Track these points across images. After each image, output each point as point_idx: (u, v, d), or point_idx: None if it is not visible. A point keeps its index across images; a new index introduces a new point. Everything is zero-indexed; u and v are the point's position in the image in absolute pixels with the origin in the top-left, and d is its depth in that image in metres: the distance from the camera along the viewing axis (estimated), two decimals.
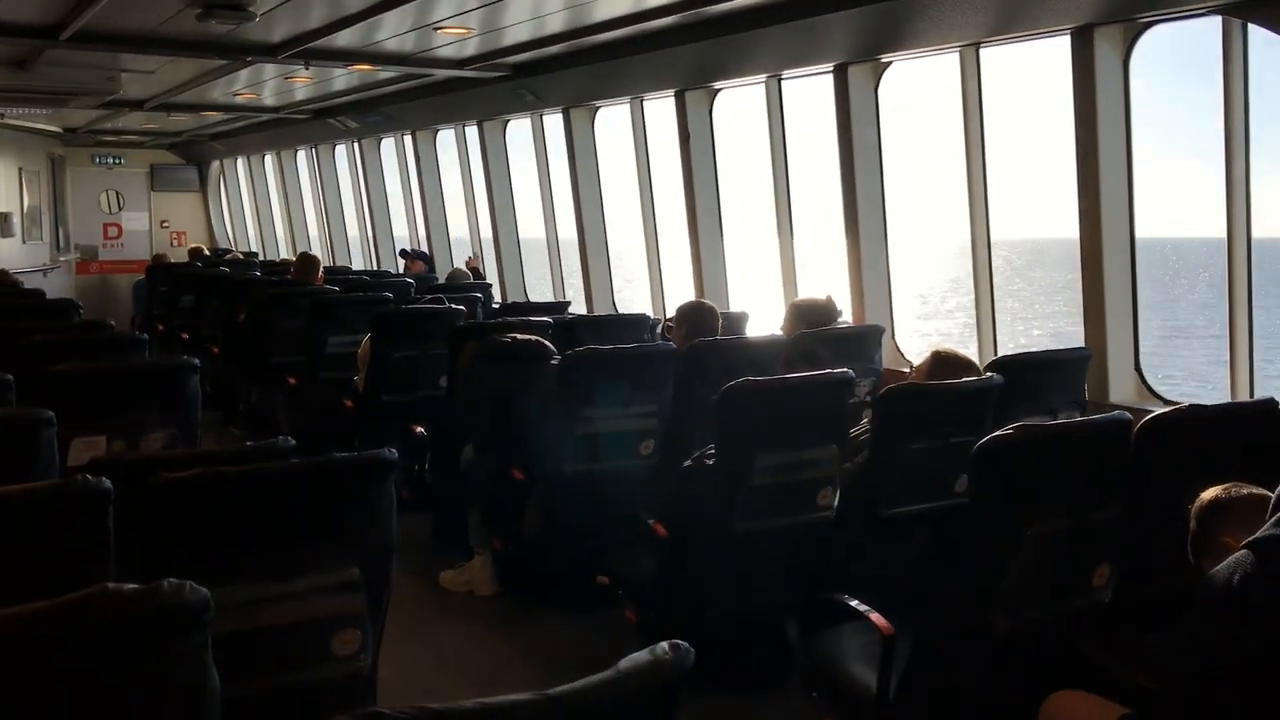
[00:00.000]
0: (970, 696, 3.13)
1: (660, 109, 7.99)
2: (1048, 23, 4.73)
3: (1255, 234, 4.39)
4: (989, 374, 4.26)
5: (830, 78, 6.45)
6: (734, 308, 7.16)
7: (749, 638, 4.15)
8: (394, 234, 12.52)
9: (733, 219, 7.51)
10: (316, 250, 14.65)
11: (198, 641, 1.75)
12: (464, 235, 11.29)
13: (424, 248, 11.42)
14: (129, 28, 6.43)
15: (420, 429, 6.28)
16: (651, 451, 5.09)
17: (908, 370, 5.88)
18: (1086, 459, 3.07)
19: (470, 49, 7.36)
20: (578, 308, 8.49)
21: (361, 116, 10.76)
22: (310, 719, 2.61)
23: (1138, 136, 4.68)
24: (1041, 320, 40.39)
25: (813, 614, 4.04)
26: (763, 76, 6.54)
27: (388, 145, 11.90)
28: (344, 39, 6.73)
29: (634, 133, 7.84)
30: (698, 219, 7.18)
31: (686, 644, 1.53)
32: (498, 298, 9.66)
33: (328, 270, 11.32)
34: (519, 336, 5.55)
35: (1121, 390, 4.81)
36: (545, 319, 6.36)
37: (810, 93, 6.51)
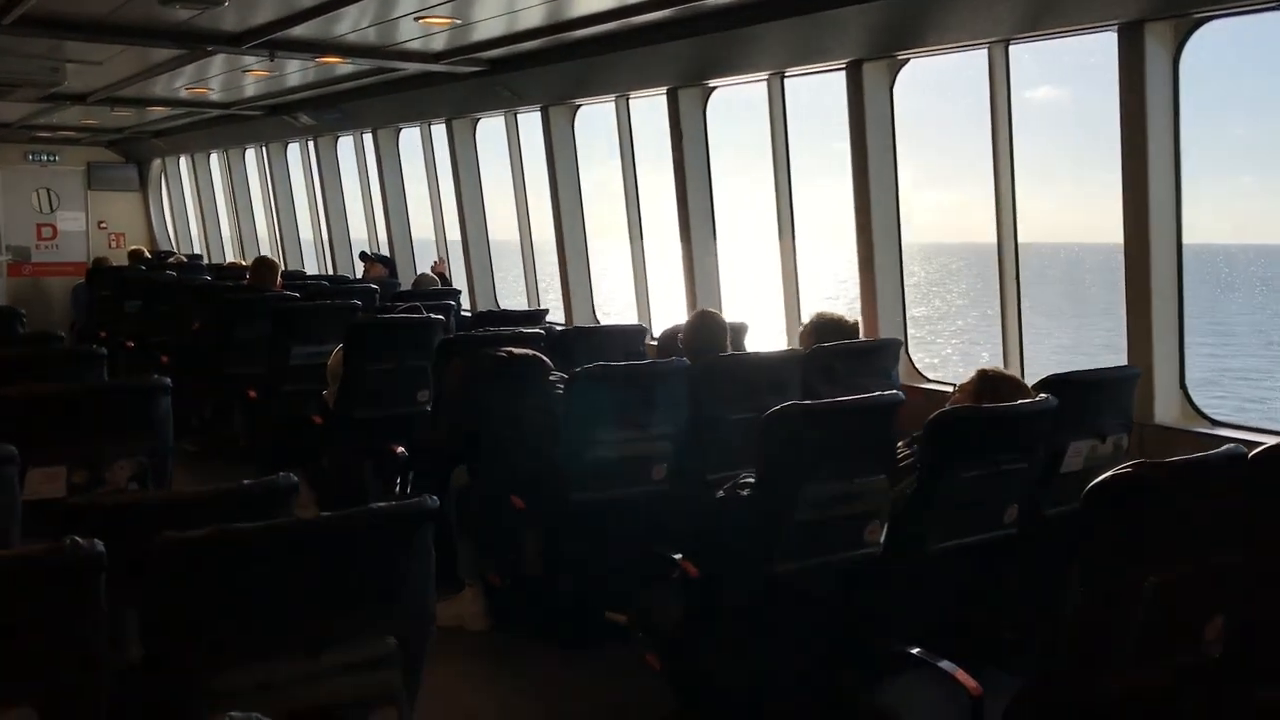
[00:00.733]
0: None
1: (644, 107, 7.67)
2: (1092, 17, 4.44)
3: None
4: (1043, 395, 3.95)
5: (828, 77, 6.21)
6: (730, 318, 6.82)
7: (794, 689, 3.78)
8: (351, 236, 11.98)
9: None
10: (267, 253, 14.05)
11: None
12: (425, 237, 10.82)
13: (384, 251, 10.92)
14: (80, 13, 5.90)
15: (400, 449, 5.84)
16: (663, 477, 4.71)
17: (926, 386, 5.56)
18: (1207, 498, 2.75)
19: (446, 42, 6.93)
20: (554, 317, 8.08)
21: (319, 114, 10.24)
22: None
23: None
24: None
25: (871, 664, 3.70)
26: (764, 74, 6.19)
27: (345, 144, 11.38)
28: (313, 29, 6.26)
29: (619, 132, 7.45)
30: (690, 223, 6.81)
31: None
32: (466, 305, 9.21)
33: (282, 275, 10.79)
34: (515, 351, 5.13)
35: (1167, 410, 4.52)
36: (537, 330, 5.95)
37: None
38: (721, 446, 4.79)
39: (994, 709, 3.03)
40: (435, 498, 2.36)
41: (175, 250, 16.38)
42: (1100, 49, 4.59)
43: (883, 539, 3.78)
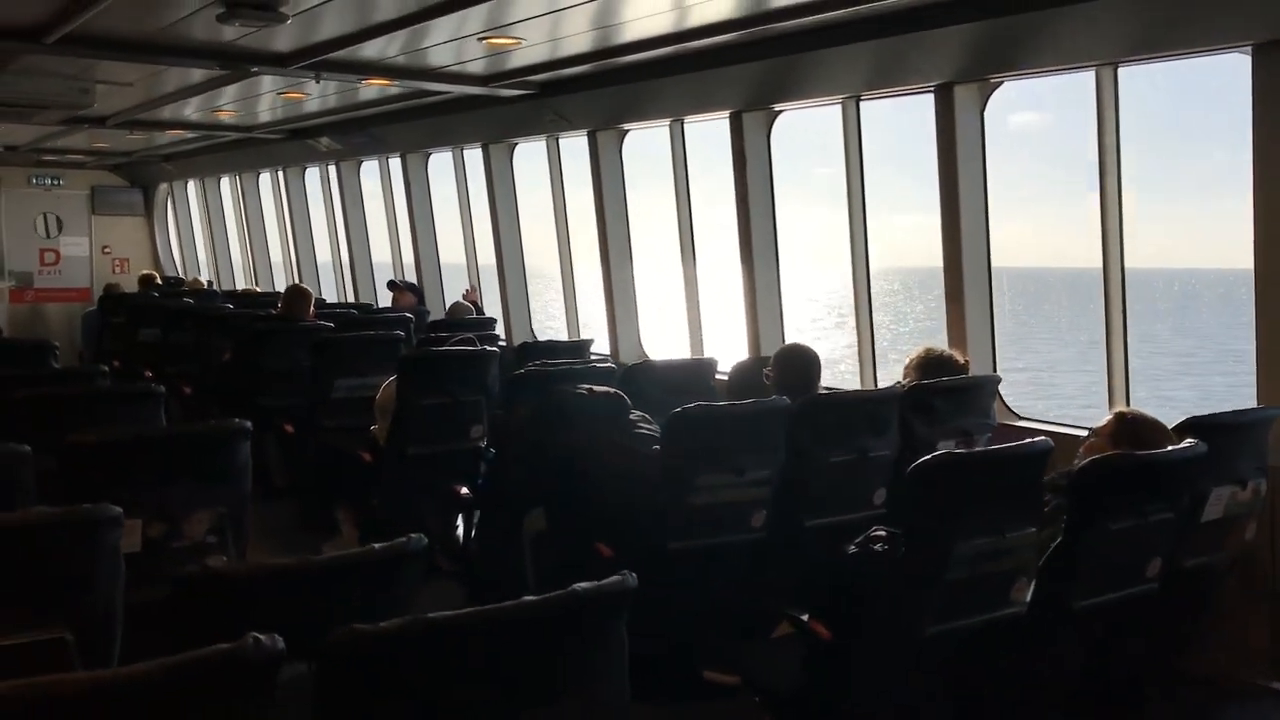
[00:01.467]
0: None
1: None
2: (1222, 38, 4.20)
3: None
4: (1189, 440, 3.69)
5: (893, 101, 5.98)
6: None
7: None
8: (373, 262, 11.68)
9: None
10: (282, 280, 13.74)
11: None
12: (454, 263, 10.53)
13: (411, 278, 10.62)
14: (126, 32, 5.61)
15: (463, 489, 5.53)
16: (762, 524, 4.41)
17: (1020, 424, 5.29)
18: None
19: (497, 65, 6.67)
20: (598, 347, 7.80)
21: (345, 137, 9.96)
22: None
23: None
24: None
25: None
26: (839, 97, 5.94)
27: (368, 168, 11.11)
28: (368, 50, 5.99)
29: (673, 156, 7.20)
30: (753, 250, 6.54)
31: None
32: (501, 335, 8.91)
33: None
34: (596, 388, 4.84)
35: None
36: (609, 365, 5.66)
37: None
38: (820, 491, 4.52)
39: None
40: (634, 575, 2.07)
41: (183, 275, 16.06)
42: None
43: (1028, 597, 3.50)
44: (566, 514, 4.69)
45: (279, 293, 12.75)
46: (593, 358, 7.42)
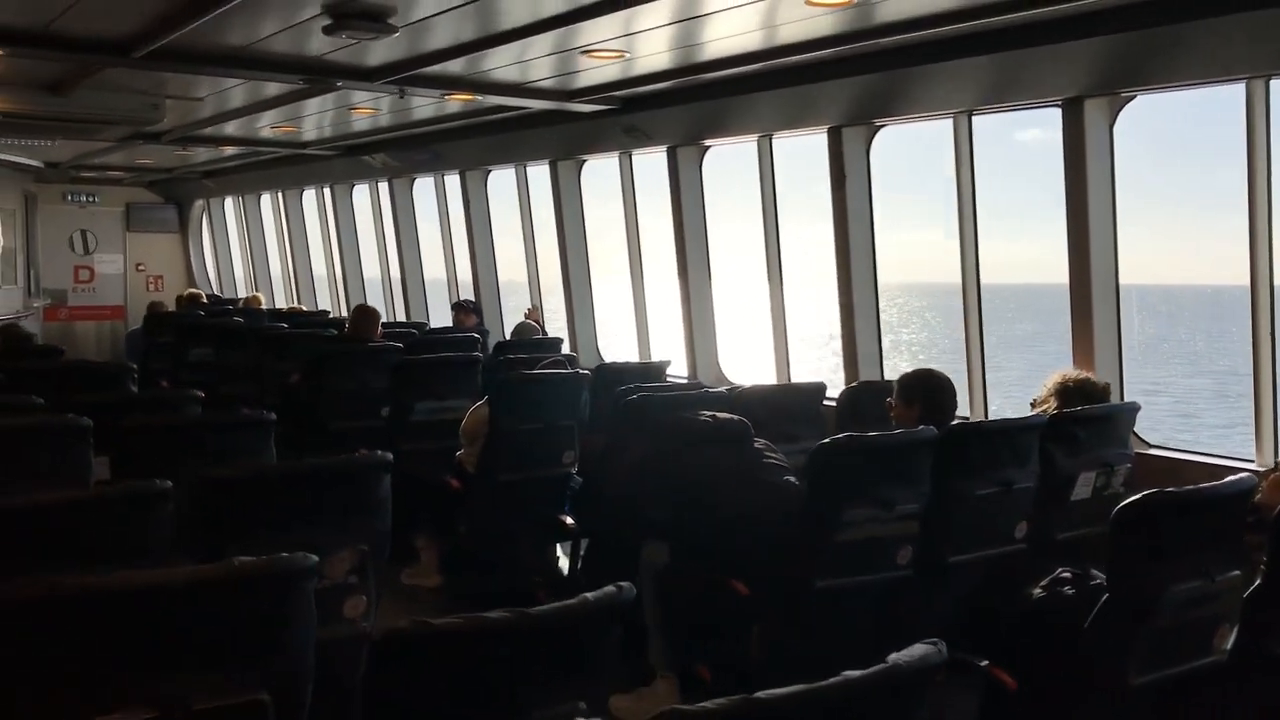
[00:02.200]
0: None
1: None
2: None
3: None
4: None
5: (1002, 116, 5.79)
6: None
7: None
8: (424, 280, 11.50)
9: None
10: (327, 298, 13.57)
11: None
12: (509, 280, 10.35)
13: (465, 296, 10.42)
14: (209, 45, 5.43)
15: (568, 518, 5.31)
16: (908, 561, 4.18)
17: (1151, 453, 5.06)
18: None
19: (587, 80, 6.49)
20: (675, 369, 7.60)
21: (405, 154, 9.78)
22: None
23: None
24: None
25: None
26: (949, 112, 5.74)
27: (423, 185, 10.93)
28: (461, 65, 5.81)
29: (760, 172, 6.99)
30: (851, 269, 6.32)
31: None
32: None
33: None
34: (720, 415, 4.62)
35: None
36: (719, 390, 5.45)
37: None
38: (963, 525, 4.30)
39: None
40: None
41: (219, 292, 15.90)
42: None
43: (1229, 645, 3.27)
44: (695, 547, 4.46)
45: (324, 311, 12.62)
46: (669, 380, 7.24)
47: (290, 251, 13.89)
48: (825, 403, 5.72)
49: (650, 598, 4.61)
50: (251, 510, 3.26)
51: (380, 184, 11.41)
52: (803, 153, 7.46)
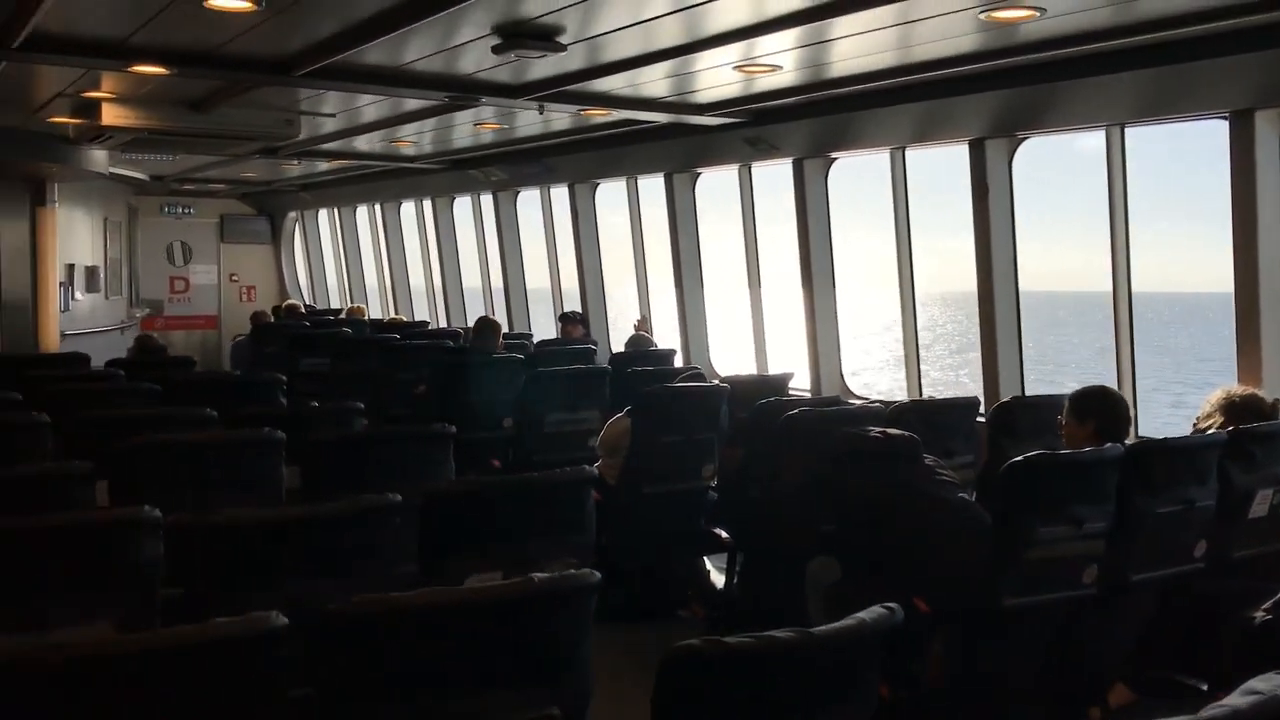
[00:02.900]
0: None
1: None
2: None
3: None
4: None
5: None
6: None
7: None
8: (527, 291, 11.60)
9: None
10: (424, 309, 13.73)
11: None
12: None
13: (574, 309, 10.48)
14: (372, 63, 5.53)
15: (722, 532, 5.32)
16: (1093, 580, 4.13)
17: None
18: None
19: (721, 94, 6.52)
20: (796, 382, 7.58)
21: (516, 167, 9.88)
22: None
23: None
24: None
25: None
26: (1101, 124, 5.68)
27: (528, 197, 11.04)
28: (605, 82, 5.87)
29: (893, 184, 6.97)
30: (993, 283, 6.27)
31: None
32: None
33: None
34: (889, 431, 4.61)
35: None
36: (878, 404, 5.44)
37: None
38: (1145, 543, 4.24)
39: None
40: None
41: (311, 302, 16.16)
42: None
43: None
44: (870, 564, 4.44)
45: (423, 322, 12.76)
46: (793, 392, 7.22)
47: (388, 262, 14.07)
48: (979, 419, 5.68)
49: (820, 614, 4.60)
50: (475, 525, 3.32)
51: (482, 196, 11.53)
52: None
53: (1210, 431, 4.67)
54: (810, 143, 7.23)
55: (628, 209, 9.48)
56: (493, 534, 3.35)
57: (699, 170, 8.62)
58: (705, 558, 6.03)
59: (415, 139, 8.92)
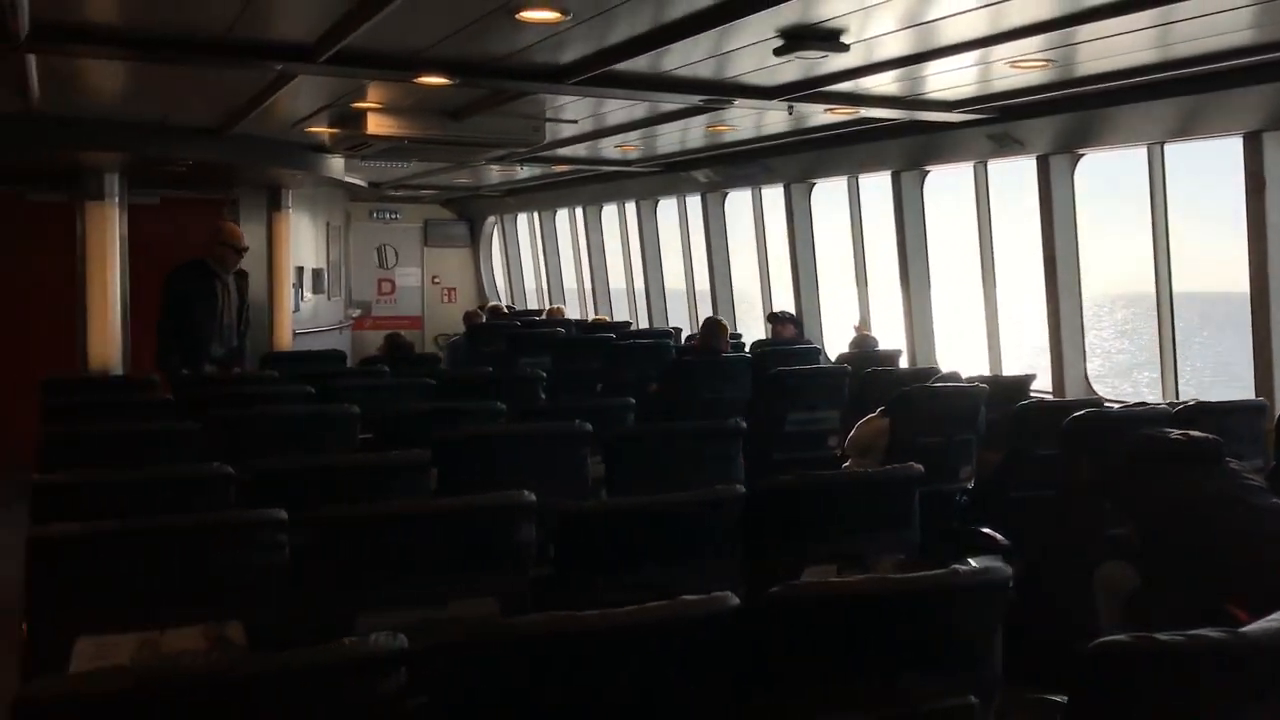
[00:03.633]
0: None
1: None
2: None
3: None
4: None
5: None
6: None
7: None
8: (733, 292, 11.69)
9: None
10: (623, 309, 13.99)
11: None
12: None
13: (785, 310, 10.51)
14: (645, 70, 5.68)
15: (999, 537, 5.25)
16: None
17: None
18: None
19: (963, 93, 6.46)
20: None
21: (731, 168, 9.98)
22: None
23: None
24: None
25: None
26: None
27: (738, 198, 11.13)
28: (872, 82, 5.90)
29: (1151, 183, 6.75)
30: (1269, 279, 6.00)
31: None
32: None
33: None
34: (1191, 433, 4.47)
35: None
36: (1159, 406, 5.29)
37: None
38: None
39: None
40: None
41: (511, 304, 16.64)
42: None
43: None
44: (1175, 570, 4.32)
45: (625, 321, 12.99)
46: (1034, 394, 7.07)
47: (589, 264, 14.39)
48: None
49: (1114, 620, 4.50)
50: (815, 520, 3.39)
51: (689, 199, 11.68)
52: None
53: None
54: (1058, 138, 7.07)
55: (847, 208, 9.47)
56: (822, 529, 3.41)
57: (928, 168, 8.53)
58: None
59: (645, 142, 9.09)
